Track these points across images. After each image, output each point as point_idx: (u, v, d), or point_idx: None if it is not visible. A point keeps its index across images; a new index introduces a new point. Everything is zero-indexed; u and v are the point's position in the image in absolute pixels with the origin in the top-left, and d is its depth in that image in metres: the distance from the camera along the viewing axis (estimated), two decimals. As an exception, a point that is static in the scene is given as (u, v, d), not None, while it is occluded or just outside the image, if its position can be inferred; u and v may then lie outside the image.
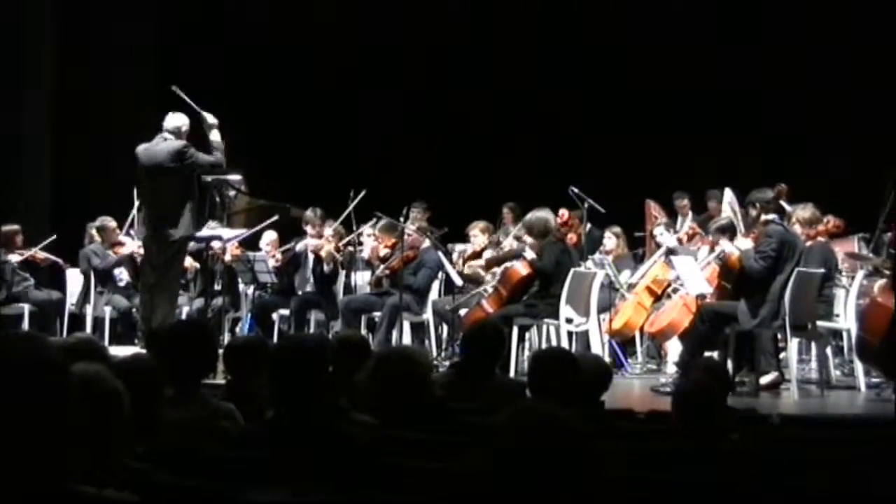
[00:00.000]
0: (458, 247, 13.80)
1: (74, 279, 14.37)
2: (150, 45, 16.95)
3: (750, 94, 15.73)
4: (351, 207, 13.43)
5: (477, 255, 13.16)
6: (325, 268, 13.22)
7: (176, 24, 16.92)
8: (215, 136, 11.47)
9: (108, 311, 13.60)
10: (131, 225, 13.57)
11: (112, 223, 13.78)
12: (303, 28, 17.27)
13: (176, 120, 11.34)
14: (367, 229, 13.51)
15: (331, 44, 17.28)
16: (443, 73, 17.11)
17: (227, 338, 12.47)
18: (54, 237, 14.12)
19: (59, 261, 14.36)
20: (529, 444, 2.76)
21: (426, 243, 13.01)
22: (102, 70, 16.21)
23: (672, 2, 16.53)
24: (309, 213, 13.48)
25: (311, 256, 13.37)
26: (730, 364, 10.14)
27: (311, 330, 13.00)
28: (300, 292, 13.39)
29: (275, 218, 13.24)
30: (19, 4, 15.89)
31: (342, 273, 13.69)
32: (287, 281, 13.51)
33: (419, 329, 13.25)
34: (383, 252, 13.15)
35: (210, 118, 11.47)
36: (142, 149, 11.32)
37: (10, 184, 15.44)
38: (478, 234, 13.29)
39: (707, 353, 10.35)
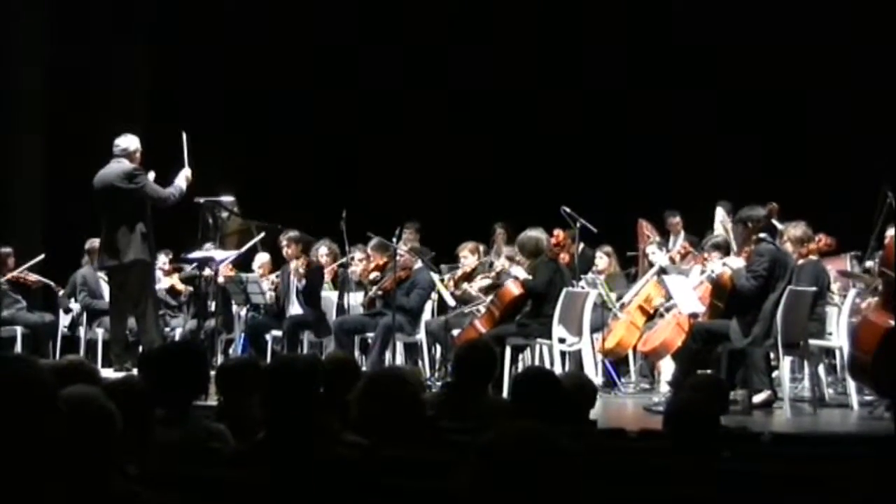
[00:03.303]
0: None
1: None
2: (148, 48, 16.96)
3: (749, 107, 15.72)
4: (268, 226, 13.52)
5: (467, 276, 13.16)
6: (298, 284, 13.29)
7: (176, 29, 16.90)
8: (181, 182, 11.81)
9: (100, 334, 13.58)
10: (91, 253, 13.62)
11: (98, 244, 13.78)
12: (300, 40, 17.27)
13: (127, 142, 11.75)
14: (357, 253, 13.49)
15: (326, 61, 17.30)
16: (435, 88, 17.09)
17: (220, 359, 12.48)
18: (42, 257, 14.13)
19: (52, 283, 14.36)
20: (514, 462, 2.77)
21: (418, 264, 13.01)
22: (100, 71, 16.22)
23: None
24: (291, 234, 13.50)
25: (293, 280, 13.41)
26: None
27: (304, 351, 13.00)
28: (289, 314, 13.39)
29: (261, 236, 13.29)
30: (17, 8, 15.95)
31: (335, 294, 13.70)
32: (279, 303, 13.52)
33: (412, 350, 13.25)
34: (373, 275, 13.14)
35: (188, 171, 11.87)
36: (97, 175, 11.59)
37: (3, 192, 15.49)
38: (467, 255, 13.30)
39: (699, 372, 10.35)
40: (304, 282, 13.30)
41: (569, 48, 16.74)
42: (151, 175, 11.79)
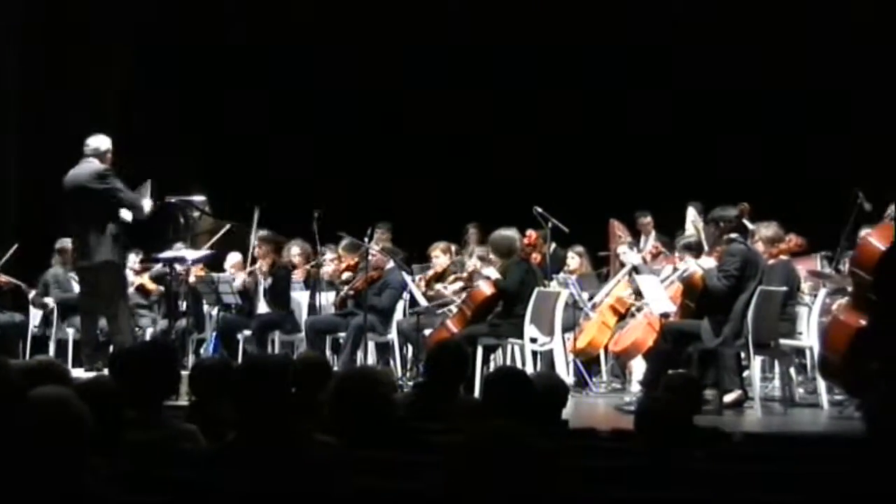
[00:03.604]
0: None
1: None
2: (126, 46, 16.88)
3: (721, 107, 15.72)
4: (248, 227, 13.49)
5: (439, 276, 13.15)
6: (264, 283, 13.33)
7: (154, 28, 16.85)
8: (146, 204, 11.69)
9: (70, 334, 13.54)
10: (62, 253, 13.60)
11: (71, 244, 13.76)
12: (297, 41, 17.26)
13: (97, 141, 11.63)
14: (329, 253, 13.51)
15: (301, 59, 17.27)
16: (412, 90, 17.05)
17: (191, 359, 12.46)
18: (15, 247, 14.07)
19: (22, 285, 14.30)
20: (485, 463, 2.77)
21: (390, 264, 13.01)
22: (76, 72, 16.15)
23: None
24: (262, 233, 13.52)
25: (260, 279, 13.45)
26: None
27: (276, 350, 13.00)
28: (257, 312, 13.41)
29: (225, 229, 13.21)
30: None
31: (306, 293, 13.69)
32: (248, 302, 13.51)
33: (384, 349, 13.24)
34: (346, 275, 13.15)
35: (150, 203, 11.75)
36: (68, 175, 11.51)
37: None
38: (439, 255, 13.29)
39: (673, 372, 10.37)
40: (268, 281, 13.31)
41: (566, 47, 16.72)
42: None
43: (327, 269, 13.43)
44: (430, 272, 13.27)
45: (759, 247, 10.84)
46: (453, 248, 13.76)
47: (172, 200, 12.25)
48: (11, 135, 16.11)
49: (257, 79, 17.21)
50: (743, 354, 10.60)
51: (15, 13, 16.10)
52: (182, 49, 16.74)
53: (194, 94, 16.83)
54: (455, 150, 16.87)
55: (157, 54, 16.73)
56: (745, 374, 10.79)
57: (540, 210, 12.59)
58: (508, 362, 11.72)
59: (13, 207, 16.00)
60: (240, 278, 13.49)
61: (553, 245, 13.23)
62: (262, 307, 13.48)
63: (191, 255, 12.56)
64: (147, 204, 11.72)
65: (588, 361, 12.60)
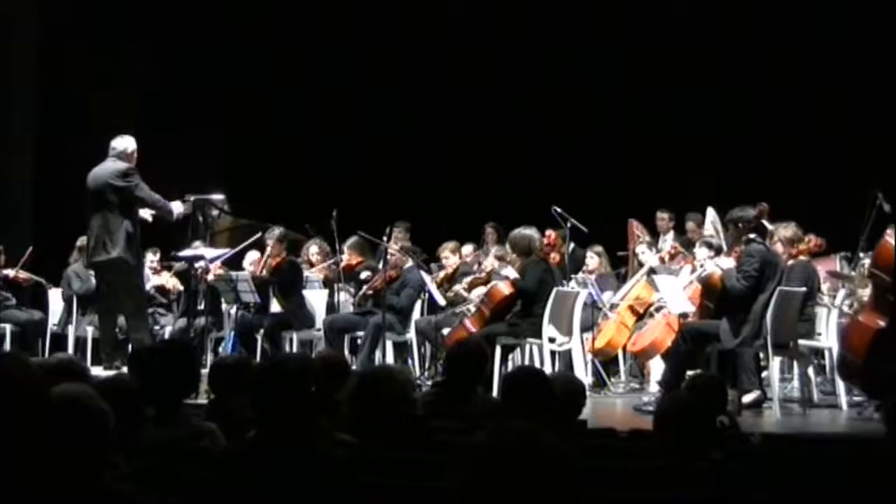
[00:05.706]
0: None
1: (57, 299, 14.35)
2: (133, 48, 16.89)
3: (740, 111, 15.69)
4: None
5: (450, 277, 13.16)
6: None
7: (160, 31, 16.86)
8: (176, 206, 11.88)
9: (90, 332, 13.56)
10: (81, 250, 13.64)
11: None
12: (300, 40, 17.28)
13: (123, 142, 11.72)
14: (347, 249, 13.56)
15: (315, 59, 17.28)
16: (427, 91, 17.06)
17: (209, 357, 12.47)
18: (30, 249, 14.10)
19: (42, 281, 14.34)
20: (507, 463, 2.77)
21: (408, 263, 13.02)
22: (84, 73, 16.16)
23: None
24: (276, 231, 13.54)
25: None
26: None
27: (293, 349, 13.01)
28: (271, 311, 13.44)
29: (256, 237, 13.27)
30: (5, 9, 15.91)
31: (325, 293, 13.71)
32: (266, 300, 13.52)
33: (402, 349, 13.25)
34: (364, 274, 13.17)
35: (182, 207, 11.95)
36: (91, 173, 11.60)
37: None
38: (449, 256, 13.33)
39: (689, 372, 10.35)
40: (276, 278, 13.34)
41: (565, 44, 16.70)
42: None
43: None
44: (442, 274, 13.30)
45: (778, 247, 10.82)
46: (465, 248, 13.81)
47: (192, 199, 12.27)
48: (30, 134, 16.14)
49: (278, 78, 17.25)
50: (762, 355, 10.59)
51: (33, 13, 16.12)
52: (197, 49, 16.78)
53: (214, 93, 16.87)
54: (474, 150, 16.87)
55: (170, 54, 16.77)
56: (764, 374, 10.78)
57: (559, 210, 12.58)
58: (527, 362, 11.72)
59: (31, 207, 16.03)
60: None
61: (572, 245, 13.21)
62: (275, 305, 13.49)
63: (211, 253, 12.58)
64: (177, 207, 11.79)
65: (606, 361, 12.58)
